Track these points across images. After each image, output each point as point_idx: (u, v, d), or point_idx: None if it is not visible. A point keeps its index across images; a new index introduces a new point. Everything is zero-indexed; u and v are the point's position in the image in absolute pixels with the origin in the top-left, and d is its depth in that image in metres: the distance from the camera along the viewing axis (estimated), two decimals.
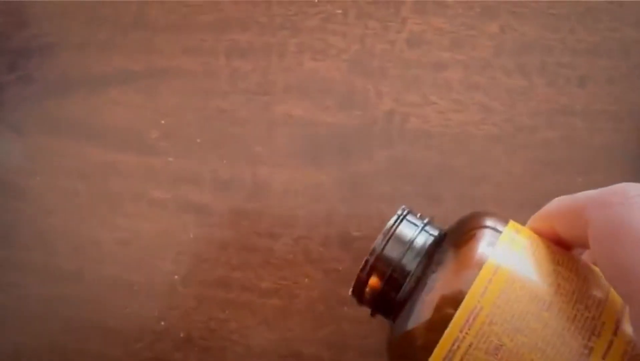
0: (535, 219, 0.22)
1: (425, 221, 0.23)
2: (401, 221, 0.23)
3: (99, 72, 0.37)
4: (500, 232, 0.20)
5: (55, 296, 0.34)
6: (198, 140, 0.34)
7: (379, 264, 0.22)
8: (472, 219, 0.21)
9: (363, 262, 0.23)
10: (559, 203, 0.20)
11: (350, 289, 0.23)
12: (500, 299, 0.18)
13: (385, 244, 0.22)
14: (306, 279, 0.31)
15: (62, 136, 0.36)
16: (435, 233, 0.23)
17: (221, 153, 0.34)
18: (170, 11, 0.36)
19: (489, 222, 0.21)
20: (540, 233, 0.21)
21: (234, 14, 0.35)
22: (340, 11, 0.34)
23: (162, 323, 0.32)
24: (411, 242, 0.22)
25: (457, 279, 0.19)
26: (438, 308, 0.19)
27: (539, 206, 0.30)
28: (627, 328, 0.18)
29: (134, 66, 0.36)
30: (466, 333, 0.18)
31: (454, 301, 0.19)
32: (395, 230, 0.22)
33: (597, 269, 0.20)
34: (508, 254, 0.19)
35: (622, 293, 0.17)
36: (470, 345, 0.18)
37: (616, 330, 0.18)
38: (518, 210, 0.30)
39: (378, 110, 0.33)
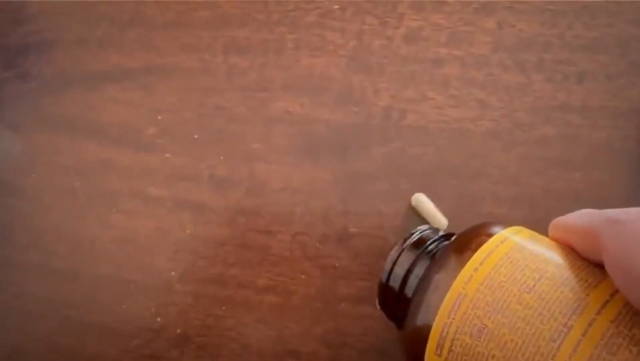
0: (556, 227, 0.22)
1: (438, 236, 0.25)
2: (416, 237, 0.25)
3: (97, 70, 0.37)
4: None
5: (52, 294, 0.34)
6: (195, 137, 0.34)
7: (390, 280, 0.24)
8: (477, 227, 0.23)
9: (379, 279, 0.25)
10: (576, 217, 0.20)
11: (378, 305, 0.26)
12: (483, 285, 0.19)
13: (397, 258, 0.24)
14: (303, 276, 0.31)
15: (59, 133, 0.36)
16: (442, 243, 0.25)
17: (218, 150, 0.34)
18: (167, 8, 0.36)
19: (492, 230, 0.22)
20: (559, 243, 0.21)
21: (231, 10, 0.35)
22: (337, 7, 0.34)
23: (159, 319, 0.32)
24: (421, 252, 0.24)
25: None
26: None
27: (536, 203, 0.30)
28: (614, 308, 0.18)
29: (131, 63, 0.36)
30: (453, 319, 0.20)
31: None
32: (408, 244, 0.25)
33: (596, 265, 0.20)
34: (498, 246, 0.20)
35: (637, 302, 0.17)
36: (456, 330, 0.19)
37: (601, 309, 0.18)
38: (515, 206, 0.30)
39: (375, 106, 0.33)
